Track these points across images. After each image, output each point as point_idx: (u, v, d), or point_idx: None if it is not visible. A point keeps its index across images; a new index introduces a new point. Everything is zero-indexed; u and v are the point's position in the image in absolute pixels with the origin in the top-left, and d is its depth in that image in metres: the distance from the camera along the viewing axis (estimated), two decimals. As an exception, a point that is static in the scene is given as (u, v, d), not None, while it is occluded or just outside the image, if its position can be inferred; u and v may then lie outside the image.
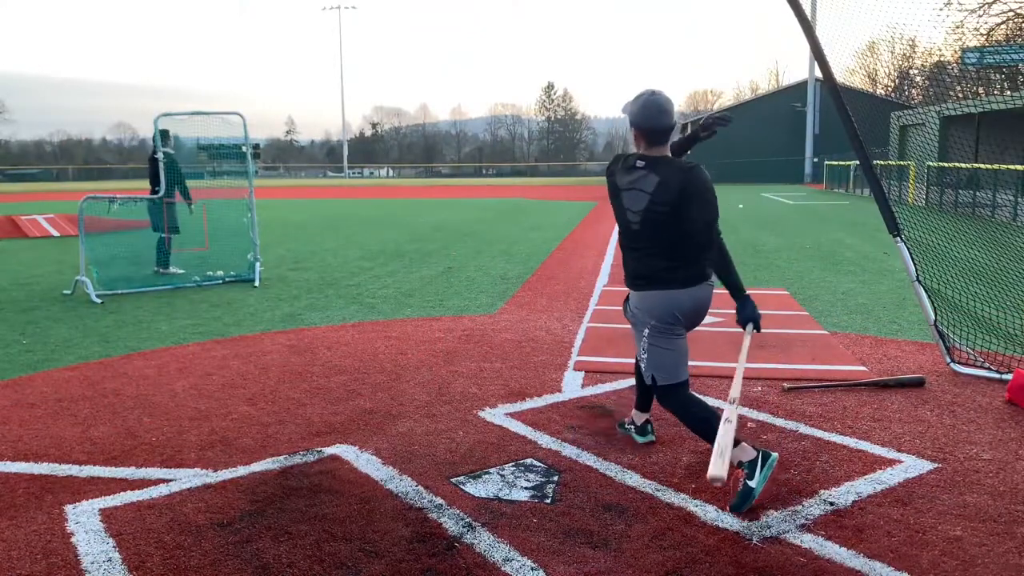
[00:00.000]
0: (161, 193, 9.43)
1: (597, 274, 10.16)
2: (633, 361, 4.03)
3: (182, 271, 9.97)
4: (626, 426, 4.14)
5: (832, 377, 5.18)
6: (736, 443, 3.31)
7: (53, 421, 4.48)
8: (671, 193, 3.34)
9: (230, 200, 10.00)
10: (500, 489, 3.49)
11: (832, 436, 4.13)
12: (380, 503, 3.36)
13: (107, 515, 3.28)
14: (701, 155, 8.34)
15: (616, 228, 3.73)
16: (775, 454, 3.35)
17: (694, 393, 3.67)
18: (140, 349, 6.22)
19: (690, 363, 5.36)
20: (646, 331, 3.51)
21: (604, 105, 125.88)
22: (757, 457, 3.29)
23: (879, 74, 51.40)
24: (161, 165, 9.40)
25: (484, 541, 3.02)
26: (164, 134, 9.57)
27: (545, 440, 4.09)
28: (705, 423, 3.44)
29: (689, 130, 3.97)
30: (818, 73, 5.34)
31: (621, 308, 3.79)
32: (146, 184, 10.44)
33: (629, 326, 3.77)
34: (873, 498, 3.37)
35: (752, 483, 3.23)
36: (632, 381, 4.49)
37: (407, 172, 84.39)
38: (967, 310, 5.78)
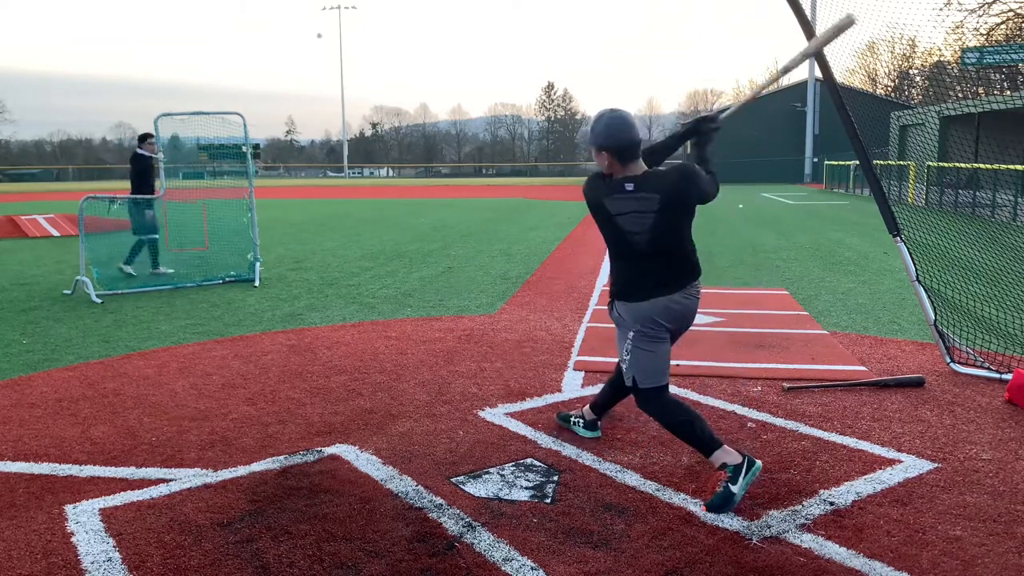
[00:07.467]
0: (161, 193, 9.48)
1: (597, 274, 10.15)
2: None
3: (172, 271, 10.00)
4: (572, 420, 4.18)
5: (832, 377, 5.18)
6: (719, 445, 3.38)
7: (53, 421, 4.48)
8: (675, 200, 3.32)
9: (230, 200, 10.02)
10: (500, 489, 3.49)
11: (832, 436, 4.13)
12: (380, 503, 3.37)
13: (107, 515, 3.28)
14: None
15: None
16: (760, 462, 3.38)
17: (674, 397, 3.63)
18: (140, 349, 6.23)
19: (691, 363, 5.40)
20: (631, 334, 3.50)
21: (604, 105, 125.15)
22: (742, 463, 3.31)
23: (879, 74, 51.50)
24: (161, 166, 9.42)
25: (484, 541, 3.03)
26: (143, 137, 9.99)
27: (545, 440, 4.09)
28: (687, 425, 3.44)
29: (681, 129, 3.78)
30: (818, 73, 5.34)
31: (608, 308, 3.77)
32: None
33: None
34: (873, 498, 3.37)
35: (735, 488, 3.25)
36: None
37: (407, 172, 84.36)
38: (967, 310, 5.78)
